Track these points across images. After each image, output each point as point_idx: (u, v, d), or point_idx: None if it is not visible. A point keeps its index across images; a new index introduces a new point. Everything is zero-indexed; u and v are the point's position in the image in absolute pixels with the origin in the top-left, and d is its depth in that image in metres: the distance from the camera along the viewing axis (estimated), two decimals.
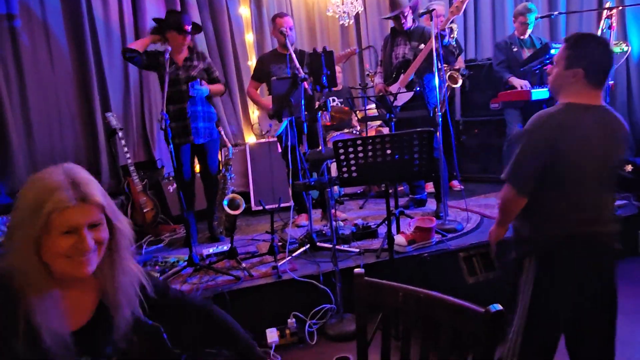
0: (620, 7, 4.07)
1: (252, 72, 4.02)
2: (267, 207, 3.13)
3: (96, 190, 1.06)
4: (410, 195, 4.10)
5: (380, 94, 3.69)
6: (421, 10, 3.49)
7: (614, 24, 3.61)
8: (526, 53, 4.19)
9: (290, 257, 2.90)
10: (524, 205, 1.71)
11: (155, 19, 3.47)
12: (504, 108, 4.39)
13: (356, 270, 1.30)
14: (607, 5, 3.90)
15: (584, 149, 1.64)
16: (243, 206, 2.98)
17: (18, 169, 3.65)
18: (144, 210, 3.70)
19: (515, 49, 4.19)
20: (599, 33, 3.86)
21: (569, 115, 1.65)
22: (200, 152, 3.58)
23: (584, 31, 4.51)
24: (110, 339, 1.13)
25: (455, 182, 4.60)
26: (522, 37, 4.20)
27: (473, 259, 2.62)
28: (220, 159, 4.01)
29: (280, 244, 3.11)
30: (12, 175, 3.62)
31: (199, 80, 3.39)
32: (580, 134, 1.63)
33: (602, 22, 3.77)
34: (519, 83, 4.00)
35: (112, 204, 1.12)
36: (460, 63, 4.52)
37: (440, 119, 3.18)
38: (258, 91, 3.95)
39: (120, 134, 3.68)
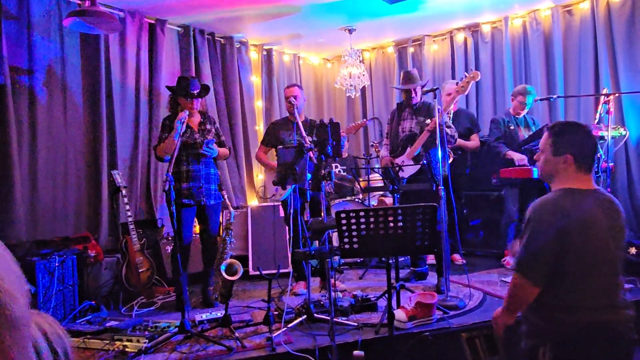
0: (617, 94, 4.26)
1: (262, 137, 4.13)
2: (265, 273, 3.06)
3: None
4: (411, 268, 4.03)
5: (387, 166, 3.75)
6: (426, 88, 3.65)
7: (612, 109, 3.73)
8: (522, 131, 4.32)
9: (285, 329, 2.80)
10: (536, 295, 1.68)
11: (168, 87, 3.63)
12: (502, 185, 4.45)
13: (355, 352, 1.24)
14: (604, 91, 4.07)
15: (591, 234, 1.64)
16: (240, 272, 2.92)
17: (18, 222, 3.62)
18: (140, 271, 3.63)
19: (512, 127, 4.33)
20: (597, 117, 4.00)
21: (572, 201, 1.67)
22: (200, 215, 3.59)
23: (582, 115, 4.70)
24: None
25: (457, 256, 4.54)
26: (517, 116, 4.35)
27: (476, 340, 2.52)
28: (221, 222, 4.00)
29: (276, 312, 3.01)
30: (11, 227, 3.59)
31: (213, 140, 3.51)
32: (586, 220, 1.64)
33: (600, 106, 3.91)
34: (517, 157, 4.09)
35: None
36: (475, 141, 4.63)
37: (443, 193, 3.20)
38: (267, 155, 4.03)
39: (123, 191, 3.70)
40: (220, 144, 3.64)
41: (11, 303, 0.82)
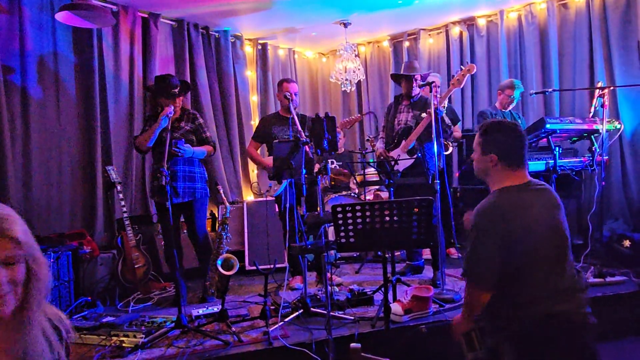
0: (612, 87, 4.27)
1: (253, 132, 4.11)
2: (261, 268, 3.06)
3: (16, 227, 1.03)
4: (407, 262, 4.04)
5: (381, 158, 3.75)
6: (423, 80, 3.65)
7: (606, 103, 3.75)
8: None
9: (282, 323, 2.80)
10: (489, 298, 1.71)
11: (145, 87, 3.60)
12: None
13: (352, 345, 1.24)
14: (599, 84, 4.08)
15: (533, 229, 1.69)
16: (237, 267, 2.92)
17: None
18: (136, 266, 3.62)
19: None
20: (592, 110, 4.01)
21: (509, 201, 1.71)
22: (184, 212, 3.56)
23: (577, 109, 4.72)
24: None
25: (452, 250, 4.55)
26: (504, 110, 4.34)
27: (472, 332, 2.52)
28: (217, 217, 3.98)
29: (273, 307, 3.01)
30: None
31: (182, 140, 3.42)
32: (525, 215, 1.70)
33: (594, 100, 3.92)
34: None
35: (34, 245, 1.07)
36: (457, 132, 4.64)
37: (439, 187, 3.21)
38: (258, 151, 4.01)
39: (118, 187, 3.69)
40: (203, 140, 3.56)
41: (45, 273, 1.03)
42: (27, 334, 1.04)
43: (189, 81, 4.71)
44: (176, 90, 3.43)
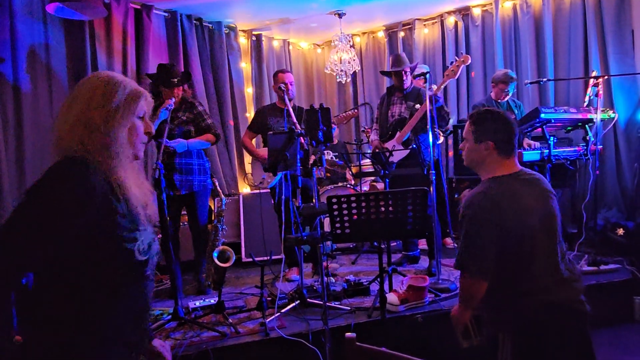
0: (606, 77, 4.27)
1: (249, 123, 4.09)
2: (257, 260, 3.07)
3: None
4: (403, 252, 4.06)
5: (376, 150, 3.75)
6: (416, 71, 3.64)
7: (601, 92, 3.75)
8: None
9: (279, 314, 2.81)
10: (487, 288, 1.71)
11: (148, 75, 3.57)
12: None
13: (348, 334, 1.25)
14: (594, 74, 4.08)
15: (526, 216, 1.69)
16: (233, 259, 2.93)
17: (7, 213, 3.58)
18: None
19: None
20: (586, 100, 4.01)
21: (501, 191, 1.71)
22: (186, 204, 3.56)
23: (572, 98, 4.72)
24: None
25: (448, 240, 4.58)
26: (499, 101, 4.33)
27: (467, 321, 2.55)
28: (212, 210, 3.97)
29: (269, 298, 3.03)
30: (0, 219, 3.56)
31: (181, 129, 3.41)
32: (517, 204, 1.70)
33: (589, 89, 3.92)
34: None
35: None
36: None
37: (434, 177, 3.21)
38: (253, 142, 4.00)
39: None
40: (202, 129, 3.49)
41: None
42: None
43: None
44: (175, 80, 3.39)
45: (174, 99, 3.19)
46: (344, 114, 3.87)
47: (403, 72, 3.72)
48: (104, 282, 1.19)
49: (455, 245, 3.80)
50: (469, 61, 3.55)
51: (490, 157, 1.80)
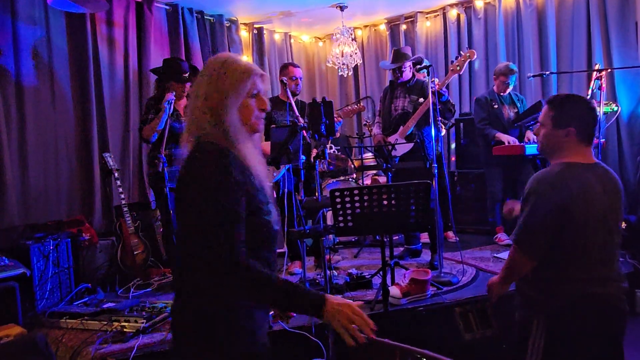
0: (609, 70, 4.25)
1: None
2: None
3: None
4: (405, 246, 4.07)
5: (379, 144, 3.75)
6: (419, 66, 3.63)
7: (604, 85, 3.74)
8: (507, 110, 4.29)
9: None
10: (531, 267, 1.70)
11: (153, 70, 3.56)
12: (484, 165, 4.45)
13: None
14: (597, 67, 4.06)
15: (590, 209, 1.65)
16: None
17: (10, 207, 3.60)
18: (135, 253, 3.63)
19: (495, 106, 4.28)
20: (589, 93, 4.00)
21: (573, 175, 1.66)
22: None
23: (574, 91, 4.70)
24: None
25: (450, 233, 4.58)
26: (501, 94, 4.32)
27: (469, 314, 2.56)
28: None
29: None
30: (2, 212, 3.57)
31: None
32: (586, 195, 1.65)
33: (592, 82, 3.91)
34: (506, 139, 4.07)
35: None
36: None
37: (436, 170, 3.21)
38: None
39: (116, 174, 3.68)
40: None
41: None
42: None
43: None
44: (186, 75, 3.39)
45: (174, 92, 3.18)
46: (348, 108, 3.86)
47: (402, 66, 3.70)
48: (254, 251, 1.28)
49: (457, 239, 3.80)
50: (475, 57, 3.54)
51: (568, 144, 1.72)
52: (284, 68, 3.77)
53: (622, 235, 1.78)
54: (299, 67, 3.81)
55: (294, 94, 3.67)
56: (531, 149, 3.79)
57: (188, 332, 1.29)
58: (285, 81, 3.55)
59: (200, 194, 1.23)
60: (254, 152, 1.36)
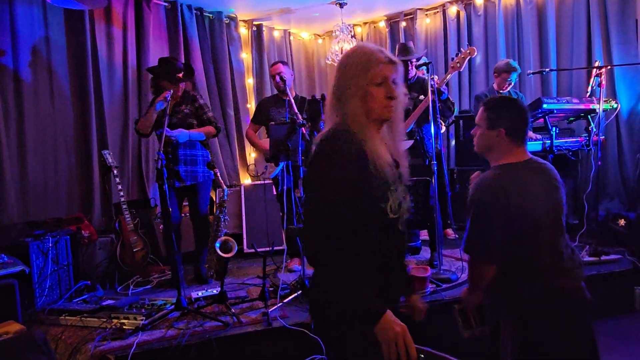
0: (609, 66, 4.25)
1: (251, 115, 4.09)
2: (259, 251, 3.08)
3: None
4: None
5: None
6: (421, 61, 3.62)
7: (604, 82, 3.73)
8: None
9: (281, 304, 2.83)
10: (494, 271, 1.73)
11: (148, 69, 3.56)
12: (484, 163, 4.44)
13: None
14: (597, 64, 4.06)
15: (533, 204, 1.72)
16: (235, 249, 2.94)
17: (10, 204, 3.60)
18: (134, 250, 3.63)
19: None
20: (589, 90, 4.00)
21: (509, 176, 1.73)
22: (188, 195, 3.57)
23: (574, 88, 4.70)
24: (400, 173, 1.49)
25: (449, 231, 4.58)
26: (501, 91, 4.31)
27: (468, 311, 2.57)
28: (214, 200, 3.97)
29: (271, 289, 3.04)
30: (1, 209, 3.57)
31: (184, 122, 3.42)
32: (526, 192, 1.71)
33: (592, 79, 3.91)
34: None
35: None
36: None
37: (436, 168, 3.21)
38: (257, 134, 4.00)
39: (115, 171, 3.67)
40: (204, 122, 3.54)
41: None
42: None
43: None
44: (180, 75, 3.39)
45: (171, 91, 3.18)
46: None
47: (409, 62, 3.70)
48: (363, 237, 1.33)
49: (457, 236, 3.81)
50: (475, 54, 3.53)
51: (501, 143, 1.81)
52: (270, 66, 3.81)
53: (620, 232, 1.81)
54: (279, 63, 3.82)
55: (279, 90, 3.67)
56: (531, 147, 3.78)
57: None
58: (282, 78, 3.57)
59: (313, 176, 1.33)
60: (377, 141, 1.37)
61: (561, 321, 1.66)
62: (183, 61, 4.58)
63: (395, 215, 1.38)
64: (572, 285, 1.70)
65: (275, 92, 3.97)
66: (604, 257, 3.43)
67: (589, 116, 3.84)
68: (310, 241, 1.30)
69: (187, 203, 3.72)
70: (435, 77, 3.46)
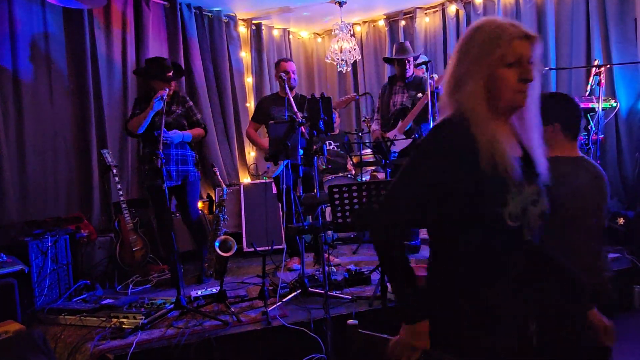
0: (608, 65, 4.25)
1: (252, 114, 4.09)
2: (259, 250, 3.08)
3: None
4: None
5: (378, 140, 3.75)
6: (419, 60, 3.63)
7: (603, 81, 3.73)
8: None
9: (281, 303, 2.83)
10: None
11: (136, 72, 3.56)
12: None
13: (350, 321, 1.26)
14: (596, 62, 4.06)
15: (578, 201, 1.67)
16: (234, 248, 2.94)
17: (9, 203, 3.59)
18: (134, 249, 3.63)
19: None
20: (588, 89, 4.00)
21: (559, 169, 1.70)
22: (176, 195, 3.58)
23: (573, 87, 4.70)
24: (535, 171, 1.25)
25: None
26: None
27: None
28: (214, 199, 3.97)
29: (271, 288, 3.04)
30: (1, 209, 3.57)
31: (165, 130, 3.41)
32: (573, 187, 1.68)
33: (591, 78, 3.91)
34: None
35: None
36: None
37: None
38: (257, 132, 4.00)
39: (114, 170, 3.67)
40: (193, 124, 3.59)
41: None
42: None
43: (182, 63, 4.66)
44: (171, 73, 3.39)
45: (167, 90, 3.18)
46: (342, 99, 3.88)
47: (406, 61, 3.71)
48: (472, 244, 1.16)
49: None
50: None
51: (554, 139, 1.78)
52: (277, 65, 3.80)
53: (619, 231, 1.83)
54: (291, 60, 3.85)
55: (291, 88, 3.68)
56: None
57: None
58: (284, 77, 3.55)
59: (405, 162, 1.22)
60: (500, 133, 1.16)
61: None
62: (175, 59, 4.59)
63: (515, 223, 1.14)
64: (600, 282, 1.72)
65: (276, 90, 3.98)
66: None
67: (588, 115, 3.84)
68: (375, 225, 1.22)
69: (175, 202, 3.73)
70: (435, 76, 3.46)
